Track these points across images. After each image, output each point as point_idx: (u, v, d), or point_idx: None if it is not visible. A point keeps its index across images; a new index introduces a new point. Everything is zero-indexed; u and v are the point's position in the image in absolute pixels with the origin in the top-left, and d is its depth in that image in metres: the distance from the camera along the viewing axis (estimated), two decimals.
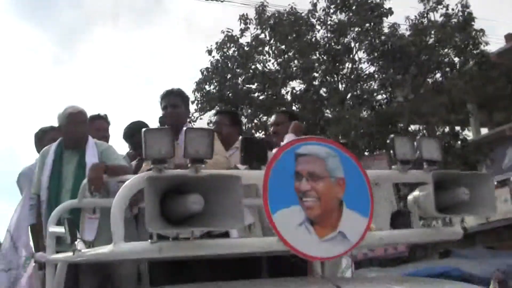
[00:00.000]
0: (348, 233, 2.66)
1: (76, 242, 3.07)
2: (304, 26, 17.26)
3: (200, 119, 17.40)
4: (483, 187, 2.93)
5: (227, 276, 3.86)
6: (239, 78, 17.46)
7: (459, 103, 15.66)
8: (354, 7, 16.92)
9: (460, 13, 16.65)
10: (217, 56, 17.36)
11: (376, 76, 17.58)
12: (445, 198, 2.85)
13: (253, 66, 17.21)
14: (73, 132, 4.39)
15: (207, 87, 17.54)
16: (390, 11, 16.88)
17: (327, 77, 17.50)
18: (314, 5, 17.23)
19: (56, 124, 4.73)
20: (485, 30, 16.37)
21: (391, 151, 3.02)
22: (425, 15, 17.02)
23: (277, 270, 3.89)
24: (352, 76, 17.45)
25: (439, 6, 16.88)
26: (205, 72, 17.62)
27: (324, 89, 17.27)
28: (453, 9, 16.86)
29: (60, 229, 3.94)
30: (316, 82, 17.53)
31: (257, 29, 17.22)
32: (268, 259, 4.23)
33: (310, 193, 2.63)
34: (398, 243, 3.06)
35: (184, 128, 2.53)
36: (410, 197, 3.07)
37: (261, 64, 17.69)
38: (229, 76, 17.14)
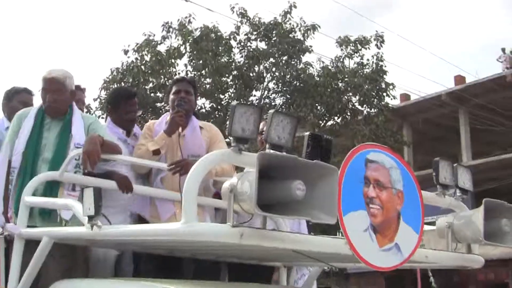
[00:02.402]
0: (402, 246, 2.65)
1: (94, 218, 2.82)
2: (223, 47, 17.28)
3: (102, 118, 16.84)
4: None
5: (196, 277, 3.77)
6: (150, 84, 17.14)
7: None
8: (275, 38, 17.16)
9: (374, 65, 17.37)
10: (133, 58, 16.96)
11: (282, 108, 17.88)
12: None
13: (167, 76, 16.95)
14: (46, 99, 4.04)
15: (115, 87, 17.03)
16: (308, 49, 17.30)
17: (235, 101, 17.56)
18: (238, 28, 17.34)
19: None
20: (395, 84, 17.23)
21: (433, 173, 3.04)
22: (341, 60, 17.59)
23: (241, 276, 3.83)
24: (260, 104, 17.66)
25: (355, 54, 17.55)
26: (115, 72, 17.15)
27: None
28: (368, 60, 17.58)
29: (37, 200, 3.64)
30: (223, 103, 17.57)
31: (178, 39, 17.03)
32: (232, 264, 4.15)
33: (375, 200, 2.59)
34: (441, 264, 3.07)
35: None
36: (441, 222, 3.11)
37: (170, 76, 17.47)
38: (142, 80, 16.75)
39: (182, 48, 17.23)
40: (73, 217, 3.54)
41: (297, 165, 2.22)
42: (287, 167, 2.23)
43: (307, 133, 2.63)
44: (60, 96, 4.05)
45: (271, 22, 17.41)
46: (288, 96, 17.64)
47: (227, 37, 17.42)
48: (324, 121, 18.08)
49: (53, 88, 4.04)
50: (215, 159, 2.38)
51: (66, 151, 3.90)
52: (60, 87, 4.06)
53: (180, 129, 4.18)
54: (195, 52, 17.00)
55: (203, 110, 17.16)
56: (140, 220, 4.16)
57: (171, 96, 4.35)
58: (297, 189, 2.14)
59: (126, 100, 4.67)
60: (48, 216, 3.76)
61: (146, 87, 17.19)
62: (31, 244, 3.32)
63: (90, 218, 2.80)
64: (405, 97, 24.85)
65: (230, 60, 17.56)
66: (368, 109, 17.60)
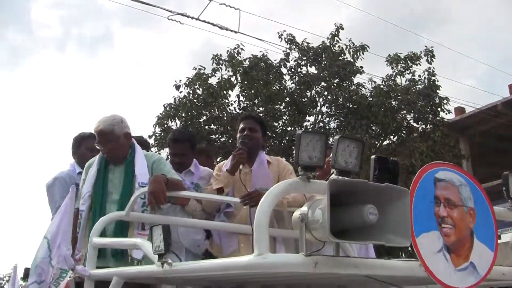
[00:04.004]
0: (478, 265, 2.61)
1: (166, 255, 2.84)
2: (273, 75, 17.38)
3: (159, 153, 17.06)
4: None
5: None
6: (203, 117, 17.33)
7: (421, 166, 15.89)
8: (325, 62, 17.17)
9: (426, 80, 17.17)
10: (185, 92, 17.20)
11: (337, 131, 17.79)
12: None
13: (220, 108, 17.14)
14: (102, 150, 4.20)
15: (169, 123, 17.27)
16: (359, 71, 17.25)
17: (289, 127, 17.58)
18: (287, 55, 17.43)
19: None
20: (449, 98, 16.97)
21: (503, 188, 2.99)
22: (392, 78, 17.45)
23: None
24: (315, 128, 17.62)
25: (406, 71, 17.40)
26: (167, 108, 17.39)
27: (287, 138, 17.32)
28: (419, 76, 17.41)
29: (105, 241, 3.71)
30: (278, 131, 17.61)
31: (229, 71, 17.22)
32: None
33: (447, 220, 2.56)
34: None
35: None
36: None
37: (223, 107, 17.63)
38: (195, 113, 16.95)
39: (233, 79, 17.38)
40: (145, 256, 3.61)
41: (367, 189, 2.22)
42: (357, 192, 2.23)
43: (373, 156, 2.61)
44: (114, 145, 4.16)
45: (320, 46, 17.43)
46: (342, 119, 17.55)
47: (277, 65, 17.51)
48: (380, 141, 17.91)
49: (104, 140, 4.15)
50: (284, 189, 2.38)
51: (132, 191, 3.97)
52: (110, 137, 4.15)
53: (241, 166, 4.22)
54: (246, 82, 17.13)
55: None
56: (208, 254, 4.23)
57: (238, 134, 4.43)
58: (370, 214, 2.14)
59: (172, 144, 4.84)
60: (121, 256, 3.84)
61: (200, 120, 17.37)
62: (101, 286, 3.36)
63: (160, 256, 2.83)
64: (460, 110, 24.37)
65: (282, 87, 17.63)
66: (424, 126, 17.36)
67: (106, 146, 4.15)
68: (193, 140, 4.98)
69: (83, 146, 4.86)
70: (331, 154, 2.44)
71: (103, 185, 4.09)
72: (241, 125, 4.45)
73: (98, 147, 4.23)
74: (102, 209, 3.99)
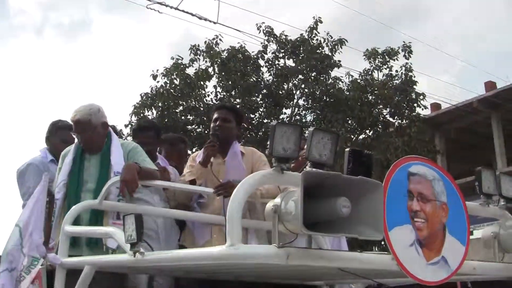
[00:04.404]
0: (449, 259, 2.62)
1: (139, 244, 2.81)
2: (251, 67, 17.36)
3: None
4: None
5: None
6: (180, 108, 17.26)
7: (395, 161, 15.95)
8: (302, 55, 17.18)
9: (403, 76, 17.28)
10: (162, 82, 17.11)
11: (313, 124, 17.80)
12: None
13: (197, 98, 17.09)
14: (79, 140, 4.15)
15: (145, 112, 17.17)
16: (337, 64, 17.28)
17: (266, 120, 17.58)
18: (265, 47, 17.41)
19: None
20: (425, 94, 17.11)
21: (476, 183, 3.01)
22: (370, 72, 17.52)
23: None
24: (291, 121, 17.64)
25: (383, 66, 17.48)
26: (144, 97, 17.29)
27: (263, 130, 17.32)
28: (396, 71, 17.52)
29: (77, 229, 3.67)
30: (254, 123, 17.61)
31: (206, 61, 17.17)
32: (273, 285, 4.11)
33: (420, 214, 2.57)
34: (489, 275, 3.02)
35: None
36: (486, 231, 3.08)
37: (200, 98, 17.57)
38: (171, 103, 16.87)
39: (210, 70, 17.32)
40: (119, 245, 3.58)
41: (341, 182, 2.21)
42: (330, 185, 2.22)
43: (348, 149, 2.61)
44: (90, 135, 4.11)
45: (298, 39, 17.43)
46: (319, 112, 17.59)
47: (255, 57, 17.48)
48: (356, 135, 17.99)
49: (80, 129, 4.10)
50: (257, 180, 2.36)
51: (108, 180, 3.92)
52: (87, 127, 4.10)
53: (212, 158, 4.19)
54: (223, 73, 17.11)
55: None
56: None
57: (211, 125, 4.40)
58: (343, 207, 2.13)
59: (137, 133, 4.86)
60: (95, 246, 3.80)
61: (176, 110, 17.30)
62: (74, 274, 3.29)
63: (133, 245, 2.80)
64: (436, 106, 24.59)
65: (259, 79, 17.62)
66: (400, 121, 17.48)
67: (83, 135, 4.10)
68: (157, 128, 5.02)
69: (57, 135, 4.78)
70: (305, 146, 2.43)
71: (78, 173, 4.04)
72: (215, 115, 4.41)
73: (74, 136, 4.18)
74: (77, 198, 3.93)
